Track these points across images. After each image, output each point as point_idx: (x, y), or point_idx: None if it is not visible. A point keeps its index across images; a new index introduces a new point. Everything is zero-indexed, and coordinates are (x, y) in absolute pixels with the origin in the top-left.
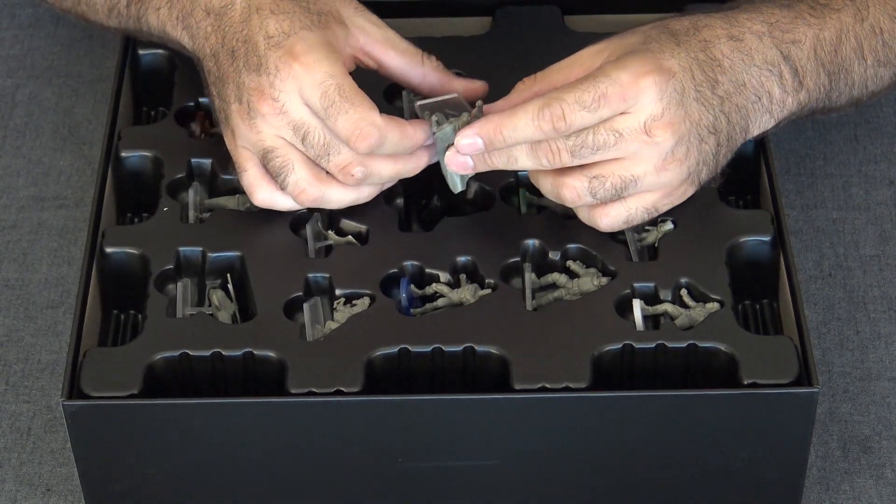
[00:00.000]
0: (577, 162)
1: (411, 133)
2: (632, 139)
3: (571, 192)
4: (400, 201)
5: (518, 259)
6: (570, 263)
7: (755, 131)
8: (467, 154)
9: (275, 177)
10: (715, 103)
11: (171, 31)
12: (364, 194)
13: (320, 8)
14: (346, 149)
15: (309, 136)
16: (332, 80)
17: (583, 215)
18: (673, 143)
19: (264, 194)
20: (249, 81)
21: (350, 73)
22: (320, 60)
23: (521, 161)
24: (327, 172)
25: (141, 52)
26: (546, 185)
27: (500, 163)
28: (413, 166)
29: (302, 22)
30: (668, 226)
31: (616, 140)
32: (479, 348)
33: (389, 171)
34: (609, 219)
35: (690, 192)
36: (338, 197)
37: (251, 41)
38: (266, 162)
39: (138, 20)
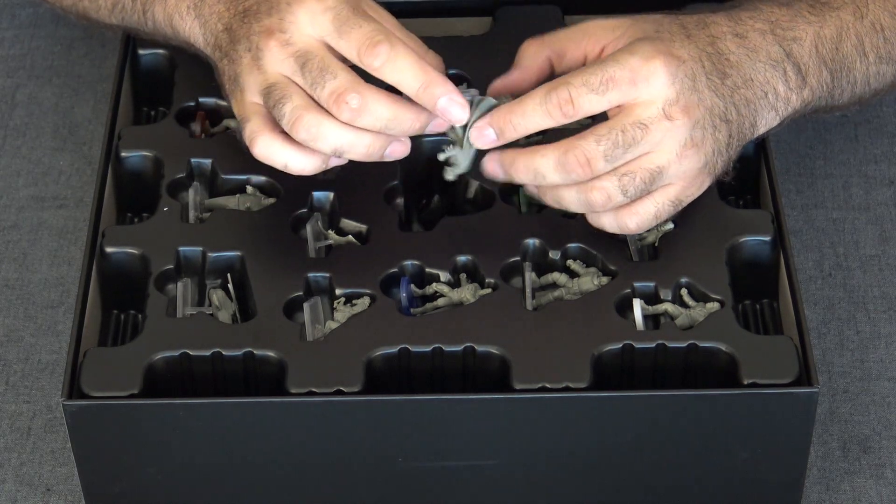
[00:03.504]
0: (611, 166)
1: (426, 66)
2: (656, 128)
3: (602, 195)
4: (400, 201)
5: (518, 258)
6: (570, 263)
7: (762, 128)
8: (483, 146)
9: (272, 109)
10: (725, 93)
11: (179, 22)
12: (361, 141)
13: None
14: (343, 73)
15: (308, 63)
16: (344, 4)
17: (608, 221)
18: (690, 127)
19: (264, 142)
20: (259, 26)
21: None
22: None
23: (550, 176)
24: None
25: (141, 52)
26: (571, 196)
27: (525, 178)
28: (411, 117)
29: None
30: (668, 226)
31: (643, 133)
32: (479, 348)
33: (385, 109)
34: (638, 217)
35: (707, 183)
36: (334, 134)
37: None
38: (267, 98)
39: (143, 14)
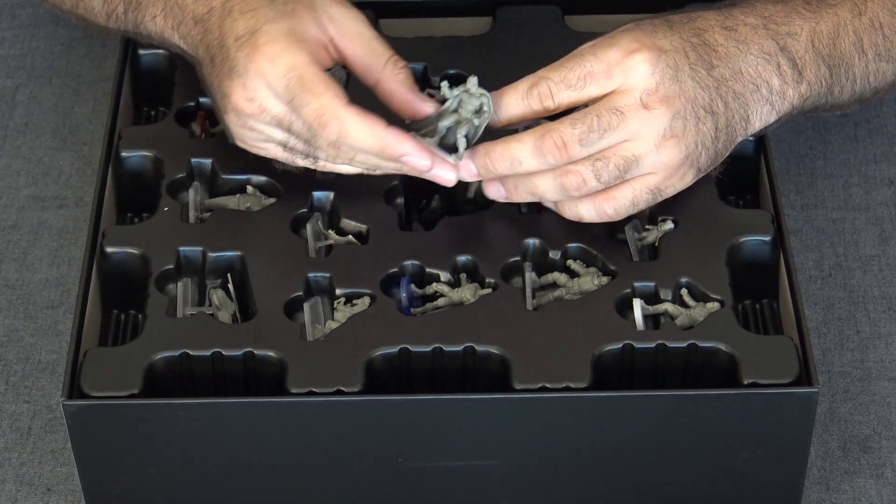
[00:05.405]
0: (586, 151)
1: (381, 135)
2: (632, 116)
3: (577, 178)
4: (400, 201)
5: (518, 258)
6: (570, 263)
7: (757, 123)
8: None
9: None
10: (711, 84)
11: (170, 37)
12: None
13: None
14: (323, 149)
15: (293, 126)
16: (293, 73)
17: (585, 209)
18: (670, 118)
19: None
20: (227, 88)
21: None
22: (282, 52)
23: (526, 162)
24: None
25: (141, 52)
26: (546, 183)
27: (503, 167)
28: (394, 166)
29: (266, 16)
30: (669, 225)
31: (619, 120)
32: (479, 348)
33: (373, 160)
34: (616, 202)
35: (690, 175)
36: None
37: (224, 46)
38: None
39: (136, 26)
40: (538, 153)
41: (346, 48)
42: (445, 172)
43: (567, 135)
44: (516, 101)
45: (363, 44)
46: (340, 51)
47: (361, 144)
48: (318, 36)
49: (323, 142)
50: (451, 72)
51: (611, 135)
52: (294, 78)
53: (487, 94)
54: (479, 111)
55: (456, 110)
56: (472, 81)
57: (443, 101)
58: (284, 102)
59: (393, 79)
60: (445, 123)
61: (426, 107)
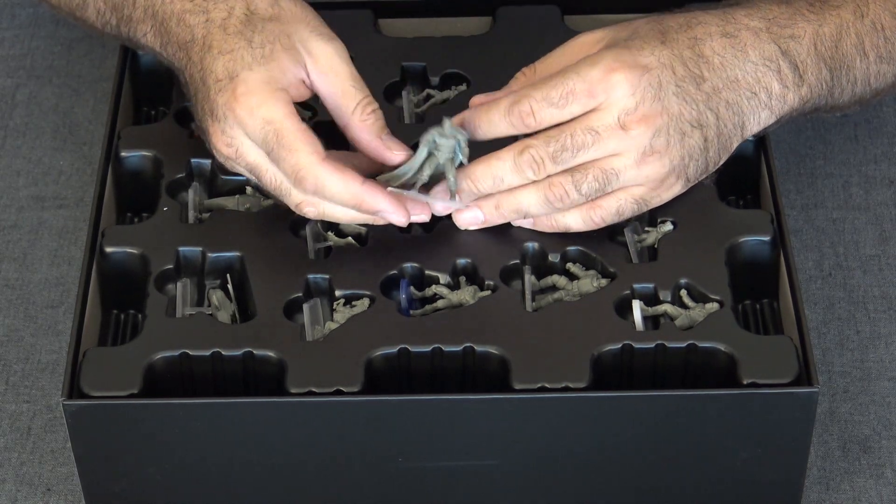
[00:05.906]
0: (560, 168)
1: (356, 191)
2: (608, 136)
3: (559, 189)
4: None
5: (518, 261)
6: (569, 265)
7: (754, 127)
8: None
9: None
10: (699, 98)
11: (161, 53)
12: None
13: (266, 37)
14: (294, 192)
15: (263, 178)
16: (269, 127)
17: (572, 219)
18: (650, 136)
19: None
20: (209, 127)
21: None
22: (260, 104)
23: (507, 178)
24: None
25: (141, 52)
26: (531, 198)
27: (486, 185)
28: (367, 219)
29: (244, 61)
30: (668, 226)
31: (594, 139)
32: (479, 348)
33: (342, 215)
34: (602, 210)
35: (678, 186)
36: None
37: (205, 84)
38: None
39: (130, 38)
40: (517, 169)
41: (319, 86)
42: (419, 219)
43: (542, 152)
44: (498, 118)
45: (336, 83)
46: (315, 87)
47: (339, 199)
48: (296, 74)
49: (293, 200)
50: (451, 71)
51: (585, 153)
52: (271, 132)
53: (463, 132)
54: (456, 150)
55: (431, 155)
56: (447, 124)
57: (414, 146)
58: (264, 152)
59: (360, 126)
60: (428, 172)
61: (394, 157)
